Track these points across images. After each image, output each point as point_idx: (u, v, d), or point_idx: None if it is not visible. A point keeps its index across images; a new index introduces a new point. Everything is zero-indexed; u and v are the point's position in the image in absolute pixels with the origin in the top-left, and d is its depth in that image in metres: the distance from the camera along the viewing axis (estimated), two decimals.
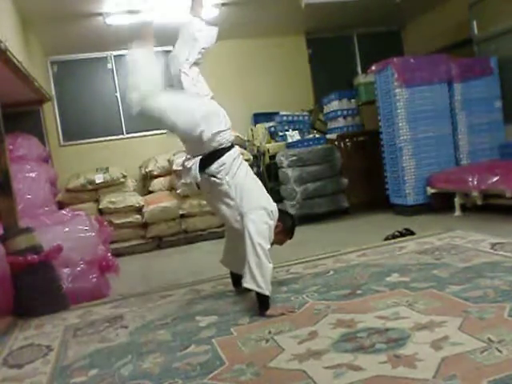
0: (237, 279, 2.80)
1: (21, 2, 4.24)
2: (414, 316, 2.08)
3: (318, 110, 6.47)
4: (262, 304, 2.38)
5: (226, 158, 2.50)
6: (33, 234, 3.04)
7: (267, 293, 2.36)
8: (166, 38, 6.23)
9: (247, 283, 2.36)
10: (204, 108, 2.54)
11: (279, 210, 2.61)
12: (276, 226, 2.55)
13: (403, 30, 7.33)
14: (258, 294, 2.37)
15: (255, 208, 2.44)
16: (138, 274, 4.06)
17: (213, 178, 2.49)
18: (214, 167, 2.48)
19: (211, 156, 2.49)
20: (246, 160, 5.56)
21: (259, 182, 2.66)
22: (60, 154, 6.10)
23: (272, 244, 2.55)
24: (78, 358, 2.14)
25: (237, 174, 2.50)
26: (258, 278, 2.33)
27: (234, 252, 2.73)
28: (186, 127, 2.48)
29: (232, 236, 2.75)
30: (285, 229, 2.65)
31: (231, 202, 2.49)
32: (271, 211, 2.51)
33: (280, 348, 1.94)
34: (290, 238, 2.74)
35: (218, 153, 2.49)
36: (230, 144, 2.55)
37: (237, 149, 2.62)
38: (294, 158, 5.18)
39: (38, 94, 5.11)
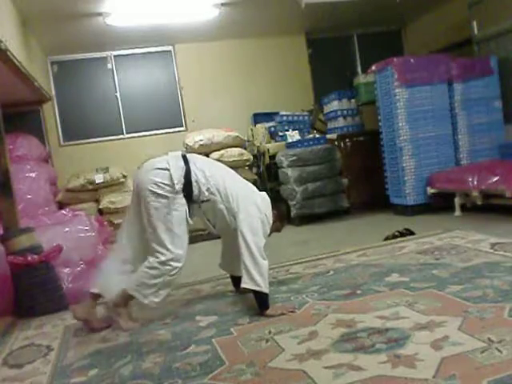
0: (237, 281, 2.80)
1: (21, 2, 4.24)
2: (414, 316, 2.07)
3: (318, 110, 6.46)
4: (261, 303, 2.38)
5: (193, 179, 2.42)
6: (33, 234, 3.04)
7: (266, 290, 2.36)
8: (165, 38, 6.25)
9: (246, 283, 2.36)
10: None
11: (271, 198, 2.63)
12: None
13: (403, 29, 7.33)
14: (256, 293, 2.37)
15: (245, 206, 2.44)
16: None
17: (204, 203, 2.49)
18: (194, 195, 2.45)
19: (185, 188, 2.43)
20: (246, 160, 5.60)
21: (239, 177, 2.64)
22: (60, 153, 6.10)
23: (271, 233, 2.57)
24: (78, 358, 2.14)
25: (212, 181, 2.46)
26: (256, 277, 2.33)
27: (231, 255, 2.73)
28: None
29: (227, 240, 2.77)
30: (280, 215, 2.67)
31: (221, 206, 2.49)
32: (265, 203, 2.52)
33: (280, 348, 1.94)
34: (286, 222, 2.76)
35: (187, 186, 2.43)
36: (186, 167, 2.45)
37: (193, 160, 2.51)
38: (294, 157, 5.18)
39: (38, 94, 5.11)
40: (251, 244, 2.36)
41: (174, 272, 2.40)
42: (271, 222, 2.55)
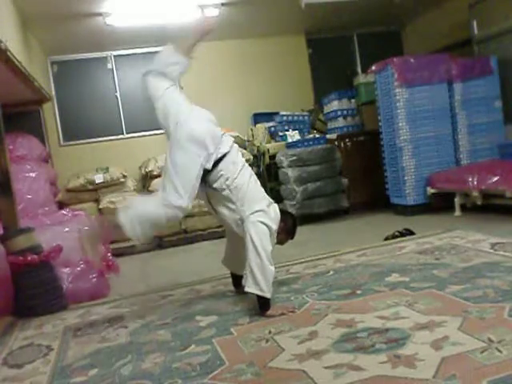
0: (237, 280, 2.80)
1: (21, 2, 4.24)
2: (414, 316, 2.08)
3: (318, 110, 6.47)
4: (262, 306, 2.37)
5: (222, 164, 2.44)
6: (33, 234, 3.04)
7: (269, 296, 2.36)
8: (164, 38, 6.24)
9: (250, 288, 2.35)
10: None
11: (281, 210, 2.61)
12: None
13: (403, 29, 7.33)
14: (258, 296, 2.37)
15: (257, 211, 2.43)
16: (138, 274, 4.06)
17: (212, 189, 2.47)
18: (211, 177, 2.44)
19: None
20: (246, 160, 5.59)
21: (259, 185, 2.63)
22: (60, 153, 6.10)
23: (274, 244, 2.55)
24: (78, 358, 2.14)
25: (238, 178, 2.45)
26: (261, 282, 2.32)
27: (234, 253, 2.73)
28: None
29: (232, 238, 2.75)
30: (286, 228, 2.64)
31: (232, 206, 2.47)
32: (273, 214, 2.51)
33: (280, 348, 1.94)
34: (292, 237, 2.74)
35: (215, 162, 2.44)
36: (227, 150, 2.49)
37: (235, 151, 2.55)
38: (294, 157, 5.18)
39: (38, 94, 5.11)
40: (259, 248, 2.34)
41: (176, 217, 2.42)
42: (275, 234, 2.52)
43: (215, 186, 2.46)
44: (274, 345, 1.98)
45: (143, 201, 2.57)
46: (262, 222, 2.40)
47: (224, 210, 2.52)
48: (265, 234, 2.39)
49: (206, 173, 2.43)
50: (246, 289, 2.37)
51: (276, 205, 2.62)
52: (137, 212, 2.38)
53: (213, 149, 2.41)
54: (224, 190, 2.45)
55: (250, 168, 2.63)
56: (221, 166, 2.44)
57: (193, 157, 2.37)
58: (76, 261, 3.26)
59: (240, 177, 2.47)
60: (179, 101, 2.58)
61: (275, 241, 2.51)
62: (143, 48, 6.35)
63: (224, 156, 2.46)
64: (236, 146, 2.60)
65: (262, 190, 2.62)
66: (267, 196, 2.63)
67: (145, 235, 2.43)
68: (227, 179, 2.44)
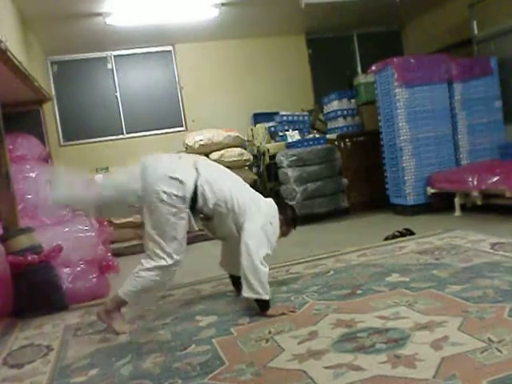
0: (236, 280, 2.79)
1: (21, 1, 4.24)
2: (414, 316, 2.08)
3: (318, 110, 6.47)
4: (262, 307, 2.38)
5: (200, 190, 2.38)
6: (33, 234, 3.04)
7: (267, 297, 2.35)
8: (165, 38, 6.26)
9: (246, 292, 2.35)
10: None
11: (278, 204, 2.62)
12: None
13: (403, 30, 7.34)
14: (257, 299, 2.37)
15: (251, 216, 2.43)
16: None
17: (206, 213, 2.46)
18: (198, 205, 2.40)
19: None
20: (246, 160, 5.60)
21: (245, 185, 2.62)
22: (60, 154, 6.10)
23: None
24: (78, 358, 2.14)
25: (220, 192, 2.42)
26: (255, 285, 2.32)
27: (230, 255, 2.72)
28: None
29: (227, 243, 2.75)
30: (286, 220, 2.64)
31: (225, 216, 2.46)
32: (267, 209, 2.52)
33: (280, 348, 1.94)
34: (294, 227, 2.75)
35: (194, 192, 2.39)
36: (195, 175, 2.41)
37: (204, 167, 2.49)
38: (294, 157, 5.18)
39: (38, 94, 5.11)
40: (254, 256, 2.33)
41: (173, 276, 2.40)
42: (278, 229, 2.53)
43: (207, 212, 2.44)
44: (274, 345, 1.98)
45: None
46: (256, 226, 2.40)
47: (224, 226, 2.49)
48: (260, 239, 2.38)
49: (193, 204, 2.40)
50: (243, 293, 2.37)
51: (270, 199, 2.63)
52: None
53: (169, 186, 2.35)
54: (214, 211, 2.43)
55: (224, 171, 2.61)
56: (199, 194, 2.39)
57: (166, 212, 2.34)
58: (76, 261, 3.26)
59: (221, 190, 2.43)
60: None
61: (274, 242, 2.49)
62: (143, 48, 6.37)
63: (196, 186, 2.39)
64: (200, 163, 2.51)
65: (248, 188, 2.61)
66: (256, 193, 2.62)
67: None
68: (214, 203, 2.41)
